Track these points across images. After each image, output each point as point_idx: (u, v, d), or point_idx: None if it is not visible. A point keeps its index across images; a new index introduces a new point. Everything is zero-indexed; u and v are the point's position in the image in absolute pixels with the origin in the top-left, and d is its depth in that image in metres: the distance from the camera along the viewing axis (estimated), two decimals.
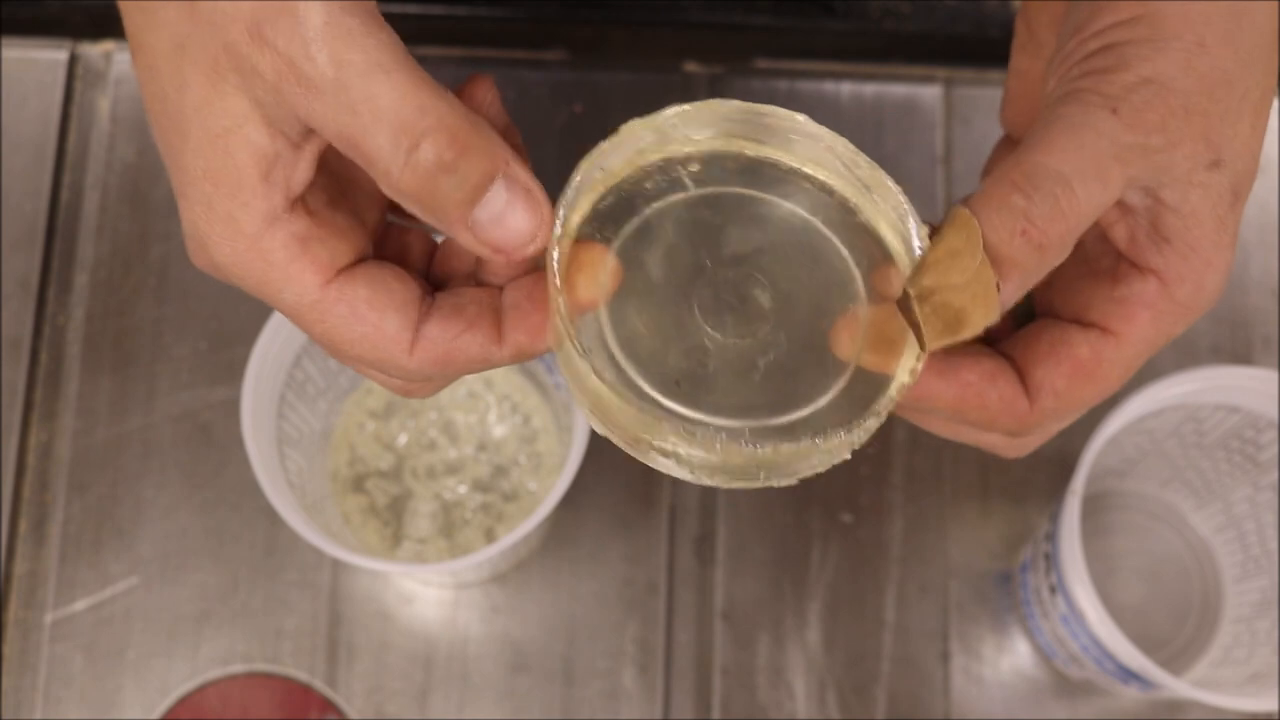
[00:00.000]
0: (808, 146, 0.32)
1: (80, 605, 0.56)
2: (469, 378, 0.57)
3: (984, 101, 0.63)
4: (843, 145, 0.32)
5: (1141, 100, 0.30)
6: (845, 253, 0.31)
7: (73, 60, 0.63)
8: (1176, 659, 0.57)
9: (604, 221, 0.31)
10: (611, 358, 0.30)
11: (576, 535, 0.58)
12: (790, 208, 0.32)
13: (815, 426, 0.30)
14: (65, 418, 0.58)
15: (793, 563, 0.58)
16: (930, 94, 0.64)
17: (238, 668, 0.56)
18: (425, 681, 0.56)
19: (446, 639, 0.57)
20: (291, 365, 0.50)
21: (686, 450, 0.30)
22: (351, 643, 0.56)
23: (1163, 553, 0.58)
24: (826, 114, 0.63)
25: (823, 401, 0.30)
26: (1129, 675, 0.49)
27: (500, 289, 0.31)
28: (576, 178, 0.30)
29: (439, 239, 0.33)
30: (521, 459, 0.57)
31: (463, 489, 0.56)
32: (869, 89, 0.64)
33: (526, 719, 0.56)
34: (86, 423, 0.58)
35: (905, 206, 0.31)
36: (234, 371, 0.59)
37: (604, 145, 0.30)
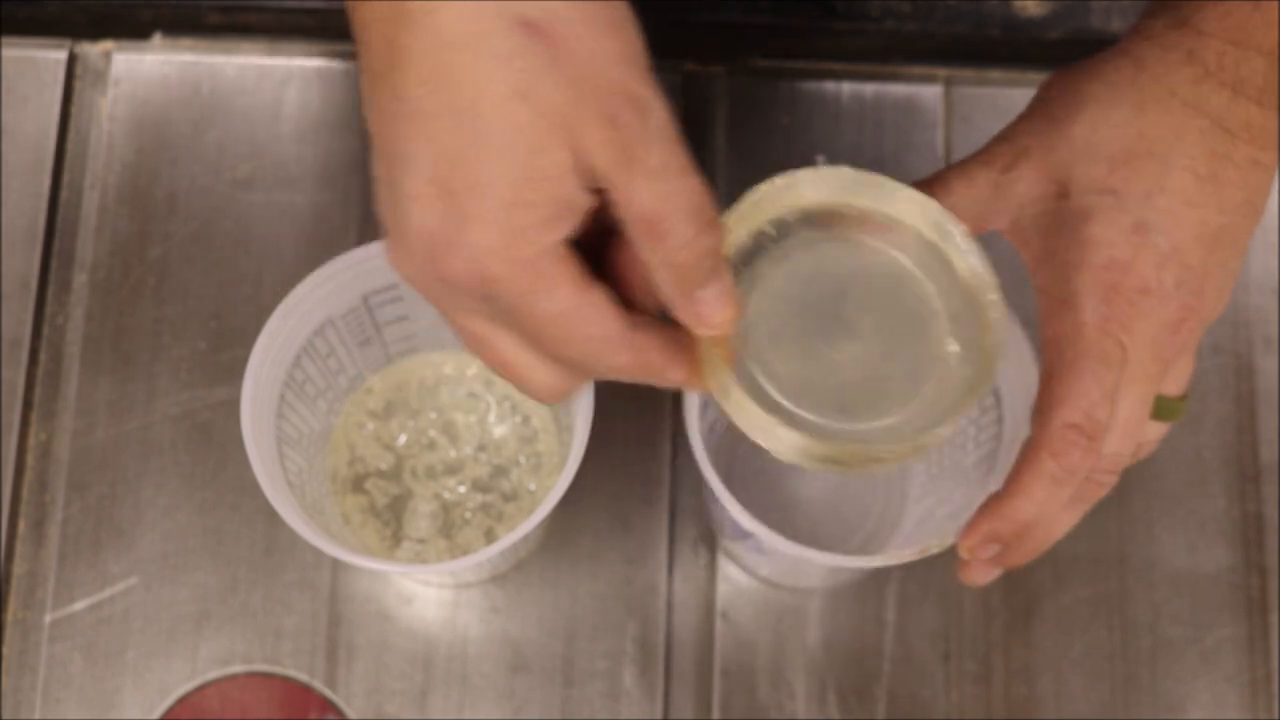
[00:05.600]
0: (906, 204, 0.40)
1: (79, 605, 0.56)
2: (468, 378, 0.57)
3: (984, 101, 0.63)
4: (934, 206, 0.40)
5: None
6: (933, 291, 0.40)
7: (72, 60, 0.63)
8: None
9: (745, 261, 0.39)
10: (753, 377, 0.39)
11: (576, 535, 0.58)
12: (892, 253, 0.40)
13: (911, 425, 0.39)
14: (64, 418, 0.58)
15: None
16: (930, 94, 0.64)
17: (237, 668, 0.56)
18: (425, 682, 0.56)
19: (446, 639, 0.57)
20: (291, 365, 0.50)
21: (809, 444, 0.38)
22: (351, 643, 0.56)
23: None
24: (826, 114, 0.63)
25: (914, 407, 0.39)
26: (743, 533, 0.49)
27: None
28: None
29: None
30: (521, 459, 0.57)
31: (463, 489, 0.56)
32: (869, 89, 0.64)
33: (526, 719, 0.56)
34: (86, 423, 0.58)
35: (982, 264, 0.40)
36: (233, 371, 0.59)
37: (751, 196, 0.39)
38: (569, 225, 0.34)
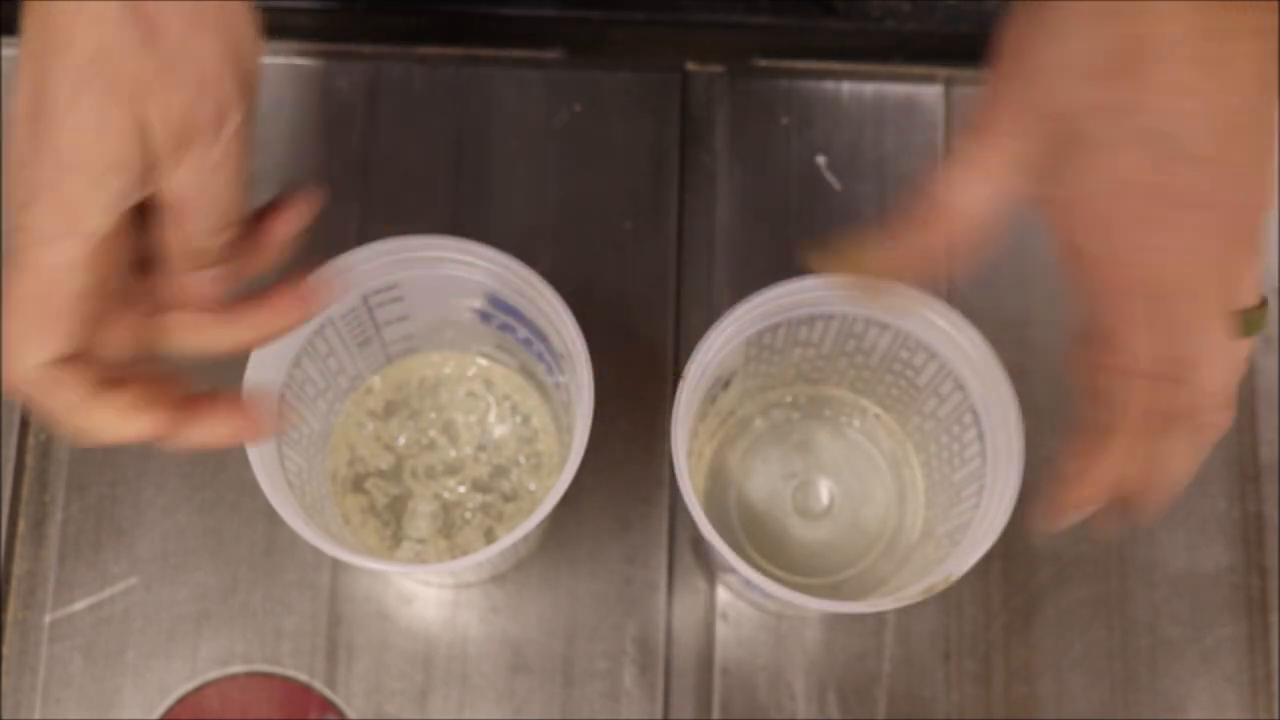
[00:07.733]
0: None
1: (79, 605, 0.56)
2: (469, 377, 0.57)
3: None
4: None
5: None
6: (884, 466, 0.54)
7: None
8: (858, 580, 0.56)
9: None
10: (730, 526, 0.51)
11: (576, 535, 0.58)
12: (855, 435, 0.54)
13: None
14: None
15: None
16: (930, 94, 0.64)
17: (237, 668, 0.56)
18: (425, 682, 0.56)
19: (446, 639, 0.57)
20: (291, 365, 0.49)
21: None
22: (351, 643, 0.56)
23: (865, 474, 0.57)
24: (827, 114, 0.63)
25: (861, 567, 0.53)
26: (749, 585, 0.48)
27: None
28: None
29: None
30: (521, 459, 0.57)
31: (462, 489, 0.56)
32: (869, 89, 0.64)
33: (526, 719, 0.56)
34: None
35: None
36: (234, 372, 0.59)
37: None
38: (122, 189, 0.34)
